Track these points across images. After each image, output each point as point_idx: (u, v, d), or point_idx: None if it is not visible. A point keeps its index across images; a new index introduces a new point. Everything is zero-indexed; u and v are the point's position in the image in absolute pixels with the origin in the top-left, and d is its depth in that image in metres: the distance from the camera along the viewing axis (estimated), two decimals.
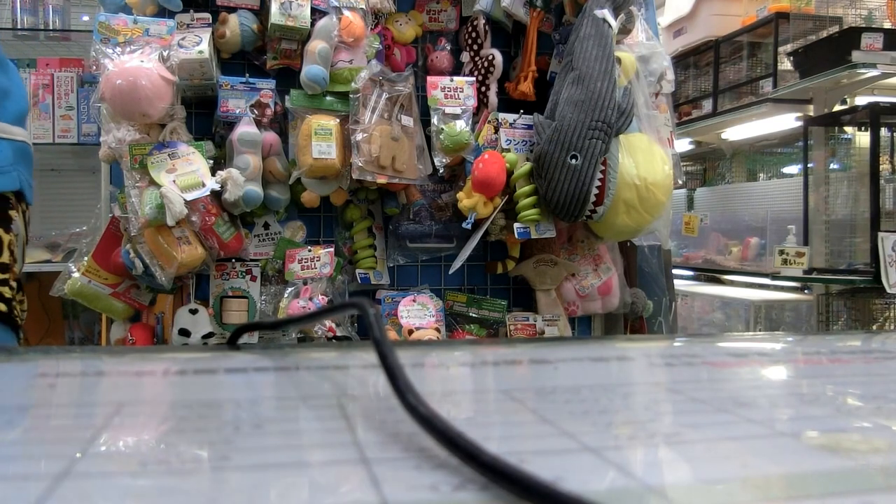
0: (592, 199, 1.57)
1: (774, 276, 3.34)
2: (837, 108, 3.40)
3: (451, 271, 1.71)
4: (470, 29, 1.74)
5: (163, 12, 1.57)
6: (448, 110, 1.66)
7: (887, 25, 3.31)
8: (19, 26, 2.83)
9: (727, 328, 3.97)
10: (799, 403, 0.32)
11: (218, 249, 1.53)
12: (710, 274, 4.40)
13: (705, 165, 5.09)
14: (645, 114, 1.66)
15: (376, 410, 0.30)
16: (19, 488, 0.20)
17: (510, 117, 1.67)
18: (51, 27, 2.89)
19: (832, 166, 3.38)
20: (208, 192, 1.45)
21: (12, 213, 0.94)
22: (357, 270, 1.69)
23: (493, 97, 1.72)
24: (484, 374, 0.41)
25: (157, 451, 0.24)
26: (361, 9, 1.58)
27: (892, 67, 3.02)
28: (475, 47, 1.74)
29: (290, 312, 1.56)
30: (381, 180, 1.56)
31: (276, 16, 1.51)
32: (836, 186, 3.32)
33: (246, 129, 1.52)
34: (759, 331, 3.65)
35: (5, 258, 0.91)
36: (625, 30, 1.68)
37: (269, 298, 1.63)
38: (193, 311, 1.54)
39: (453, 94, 1.66)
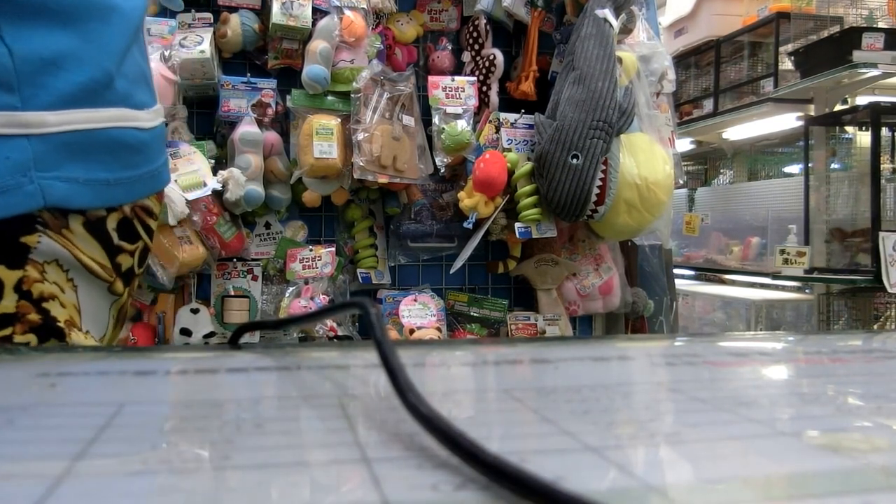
0: (593, 198, 1.57)
1: (775, 276, 3.34)
2: (838, 107, 3.40)
3: (452, 271, 1.71)
4: (471, 28, 1.74)
5: (164, 12, 1.57)
6: (449, 110, 1.66)
7: (887, 25, 3.31)
8: None
9: (728, 328, 3.97)
10: (800, 403, 0.32)
11: (219, 249, 1.53)
12: (710, 273, 4.40)
13: (706, 165, 5.09)
14: (646, 113, 1.66)
15: (377, 410, 0.30)
16: (20, 488, 0.20)
17: (511, 117, 1.67)
18: None
19: (833, 166, 3.38)
20: (209, 192, 1.45)
21: (30, 238, 0.60)
22: (358, 270, 1.69)
23: (494, 97, 1.72)
24: (485, 373, 0.41)
25: (158, 451, 0.24)
26: (363, 8, 1.59)
27: (893, 67, 3.02)
28: (476, 47, 1.74)
29: (292, 312, 1.56)
30: (383, 180, 1.56)
31: (277, 15, 1.51)
32: (837, 186, 3.32)
33: (247, 128, 1.52)
34: (760, 330, 3.65)
35: (7, 305, 0.59)
36: (626, 29, 1.68)
37: (271, 298, 1.64)
38: (195, 311, 1.54)
39: (454, 93, 1.66)
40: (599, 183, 1.57)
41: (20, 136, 0.59)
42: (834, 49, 3.14)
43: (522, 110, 1.67)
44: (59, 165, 0.61)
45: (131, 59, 0.69)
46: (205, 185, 1.44)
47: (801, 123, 3.54)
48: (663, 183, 1.62)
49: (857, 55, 3.02)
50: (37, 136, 0.60)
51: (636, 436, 0.26)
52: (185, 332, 1.52)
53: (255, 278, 1.61)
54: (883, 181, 3.11)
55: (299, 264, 1.61)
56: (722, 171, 4.88)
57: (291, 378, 0.36)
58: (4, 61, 0.58)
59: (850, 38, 3.10)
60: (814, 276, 3.17)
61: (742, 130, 4.24)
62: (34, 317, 0.61)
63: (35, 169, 0.60)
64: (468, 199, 1.61)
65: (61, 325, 0.63)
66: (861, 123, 3.19)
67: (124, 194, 0.68)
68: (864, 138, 3.20)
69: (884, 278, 2.87)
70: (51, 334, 0.62)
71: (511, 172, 1.63)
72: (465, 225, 1.63)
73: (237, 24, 1.55)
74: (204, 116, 1.63)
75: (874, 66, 3.01)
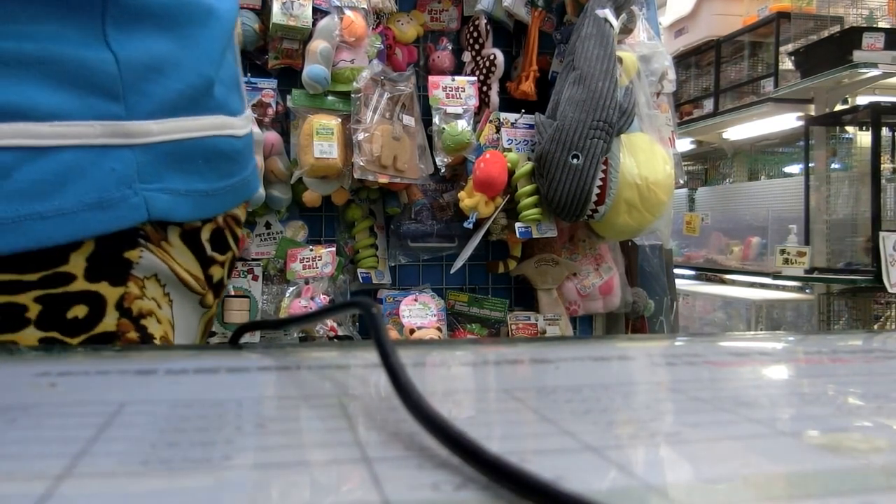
0: (594, 198, 1.57)
1: (775, 276, 3.34)
2: (838, 107, 3.40)
3: (452, 271, 1.71)
4: (471, 28, 1.74)
5: None
6: (449, 110, 1.66)
7: (887, 24, 3.31)
8: None
9: (728, 328, 3.97)
10: (800, 403, 0.32)
11: None
12: (711, 273, 4.40)
13: (707, 165, 5.09)
14: (646, 113, 1.66)
15: (377, 410, 0.30)
16: (20, 487, 0.20)
17: (511, 117, 1.67)
18: None
19: (833, 166, 3.38)
20: None
21: (133, 253, 0.58)
22: (358, 270, 1.69)
23: (494, 97, 1.72)
24: (485, 373, 0.41)
25: (158, 451, 0.24)
26: (363, 8, 1.59)
27: (893, 67, 3.02)
28: (476, 47, 1.74)
29: (292, 312, 1.56)
30: (383, 180, 1.56)
31: (277, 15, 1.51)
32: (838, 186, 3.32)
33: None
34: (761, 330, 3.65)
35: (108, 323, 0.57)
36: (626, 29, 1.68)
37: (271, 298, 1.64)
38: None
39: (455, 93, 1.66)
40: (600, 183, 1.57)
41: (124, 146, 0.56)
42: (834, 49, 3.14)
43: (523, 110, 1.67)
44: (161, 177, 0.59)
45: (227, 64, 0.67)
46: None
47: (801, 123, 3.54)
48: (664, 183, 1.62)
49: (857, 55, 3.02)
50: (140, 147, 0.57)
51: (636, 435, 0.26)
52: None
53: (255, 278, 1.61)
54: (883, 181, 3.12)
55: (300, 264, 1.61)
56: (724, 171, 4.88)
57: (292, 378, 0.36)
58: (110, 69, 0.55)
59: (851, 37, 3.10)
60: (814, 276, 3.17)
61: (742, 130, 4.24)
62: (133, 335, 0.59)
63: (139, 181, 0.57)
64: (468, 198, 1.61)
65: (157, 342, 0.61)
66: (861, 123, 3.19)
67: (219, 205, 0.65)
68: (864, 138, 3.20)
69: (884, 278, 2.87)
70: None
71: (511, 172, 1.63)
72: (465, 225, 1.63)
73: (237, 24, 1.55)
74: None
75: (874, 65, 3.01)
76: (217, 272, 0.67)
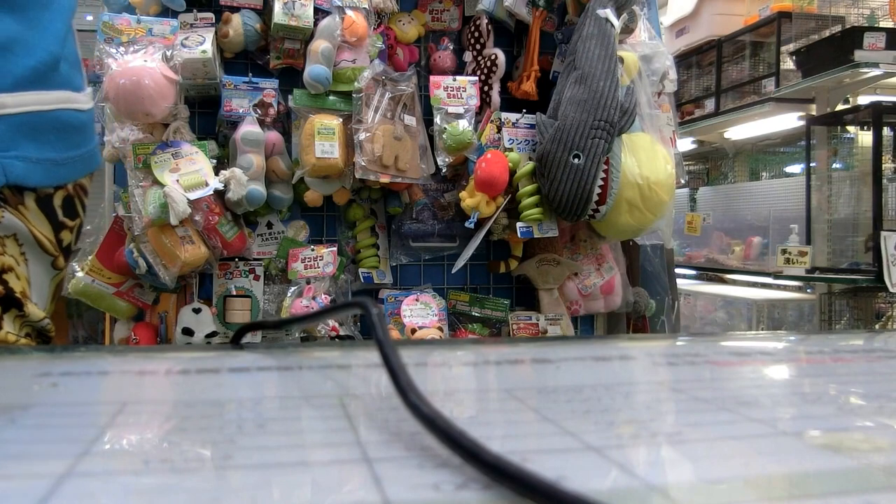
0: (595, 198, 1.57)
1: (777, 276, 3.34)
2: (840, 107, 3.40)
3: (453, 270, 1.71)
4: (472, 28, 1.74)
5: (166, 12, 1.57)
6: (451, 110, 1.65)
7: (889, 24, 3.31)
8: None
9: (730, 327, 3.97)
10: (801, 402, 0.32)
11: (221, 249, 1.54)
12: (712, 273, 4.40)
13: (708, 165, 5.09)
14: (647, 113, 1.66)
15: (379, 410, 0.30)
16: (22, 487, 0.20)
17: (513, 116, 1.67)
18: None
19: (835, 165, 3.38)
20: (211, 192, 1.45)
21: None
22: (360, 270, 1.69)
23: (495, 96, 1.72)
24: (486, 373, 0.41)
25: (160, 450, 0.24)
26: (364, 8, 1.59)
27: (895, 67, 3.02)
28: (478, 47, 1.74)
29: (294, 312, 1.56)
30: (384, 179, 1.56)
31: (279, 15, 1.51)
32: (839, 186, 3.32)
33: (249, 128, 1.52)
34: (762, 330, 3.65)
35: None
36: (627, 29, 1.68)
37: (273, 298, 1.63)
38: (197, 311, 1.54)
39: (456, 93, 1.66)
40: (601, 182, 1.57)
41: None
42: (835, 49, 3.14)
43: (524, 110, 1.67)
44: (17, 145, 0.66)
45: (69, 44, 0.73)
46: (207, 184, 1.44)
47: (802, 123, 3.54)
48: (665, 182, 1.62)
49: (858, 55, 3.02)
50: None
51: (637, 435, 0.26)
52: (188, 331, 1.52)
53: (256, 278, 1.61)
54: (885, 181, 3.11)
55: (301, 264, 1.61)
56: (723, 171, 4.89)
57: (293, 378, 0.36)
58: None
59: (852, 37, 3.10)
60: (815, 275, 3.17)
61: (744, 130, 4.24)
62: None
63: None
64: (470, 198, 1.61)
65: (18, 296, 0.67)
66: (863, 123, 3.19)
67: (69, 173, 0.73)
68: (865, 138, 3.20)
69: (885, 278, 2.87)
70: (11, 304, 0.66)
71: (512, 172, 1.63)
72: (466, 225, 1.63)
73: (239, 24, 1.55)
74: (206, 116, 1.63)
75: (876, 65, 3.01)
76: (67, 236, 0.75)
